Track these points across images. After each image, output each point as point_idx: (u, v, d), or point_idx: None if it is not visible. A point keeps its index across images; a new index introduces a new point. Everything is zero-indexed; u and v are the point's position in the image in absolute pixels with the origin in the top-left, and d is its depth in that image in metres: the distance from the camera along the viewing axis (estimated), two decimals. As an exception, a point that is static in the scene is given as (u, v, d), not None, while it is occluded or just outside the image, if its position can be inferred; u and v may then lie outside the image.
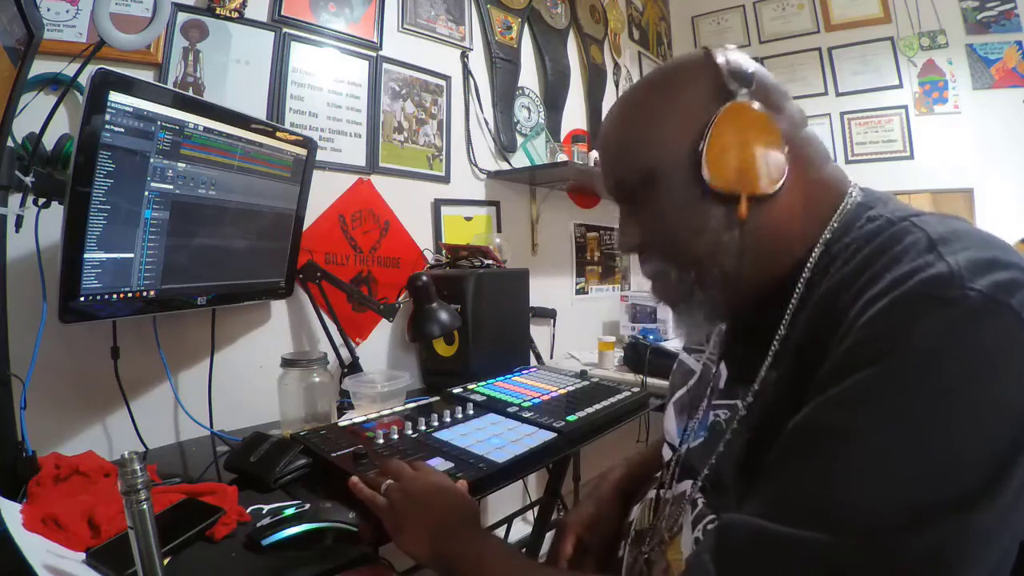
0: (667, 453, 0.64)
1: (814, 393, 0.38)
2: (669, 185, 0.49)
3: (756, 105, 0.47)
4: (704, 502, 0.51)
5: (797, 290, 0.46)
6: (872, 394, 0.35)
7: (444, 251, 1.58)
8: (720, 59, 0.49)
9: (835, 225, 0.47)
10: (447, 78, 1.69)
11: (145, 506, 0.43)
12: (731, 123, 0.46)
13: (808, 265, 0.46)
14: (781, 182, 0.46)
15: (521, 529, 1.82)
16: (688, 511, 0.53)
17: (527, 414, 1.02)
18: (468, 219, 1.74)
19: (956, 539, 0.32)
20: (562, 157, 1.80)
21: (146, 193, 0.85)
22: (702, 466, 0.52)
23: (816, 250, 0.47)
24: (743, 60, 0.49)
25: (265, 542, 0.63)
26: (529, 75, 2.00)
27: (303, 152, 1.15)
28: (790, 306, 0.46)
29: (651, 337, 1.77)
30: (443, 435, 0.91)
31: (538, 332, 1.82)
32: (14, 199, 0.77)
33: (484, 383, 1.24)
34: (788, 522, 0.35)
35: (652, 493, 0.64)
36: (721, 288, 0.49)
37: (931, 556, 0.32)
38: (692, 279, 0.50)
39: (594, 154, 1.86)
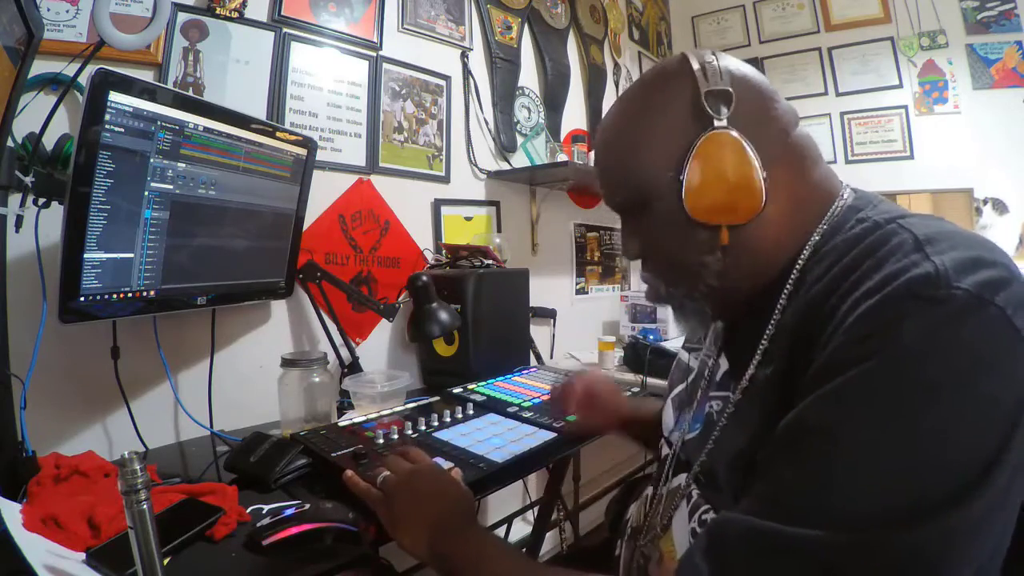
0: (663, 450, 0.65)
1: (804, 392, 0.39)
2: (657, 208, 0.51)
3: (734, 133, 0.47)
4: (699, 493, 0.52)
5: (786, 290, 0.47)
6: (861, 393, 0.36)
7: (444, 251, 1.57)
8: (699, 75, 0.48)
9: (824, 227, 0.48)
10: (447, 78, 1.69)
11: (145, 506, 0.43)
12: (708, 156, 0.47)
13: (797, 267, 0.47)
14: (761, 207, 0.47)
15: (521, 529, 1.82)
16: (683, 504, 0.54)
17: (527, 414, 1.02)
18: (468, 219, 1.74)
19: (946, 534, 0.33)
20: (562, 157, 1.80)
21: (146, 193, 0.85)
22: (696, 458, 0.53)
23: (805, 252, 0.48)
24: (723, 72, 0.48)
25: (265, 542, 0.63)
26: (529, 75, 2.00)
27: (303, 152, 1.15)
28: (779, 305, 0.47)
29: (651, 337, 1.77)
30: (443, 435, 0.91)
31: (538, 332, 1.82)
32: (14, 199, 0.77)
33: (484, 383, 1.24)
34: (780, 520, 0.36)
35: (649, 490, 0.64)
36: (708, 300, 0.53)
37: (922, 551, 0.32)
38: (681, 293, 0.54)
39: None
